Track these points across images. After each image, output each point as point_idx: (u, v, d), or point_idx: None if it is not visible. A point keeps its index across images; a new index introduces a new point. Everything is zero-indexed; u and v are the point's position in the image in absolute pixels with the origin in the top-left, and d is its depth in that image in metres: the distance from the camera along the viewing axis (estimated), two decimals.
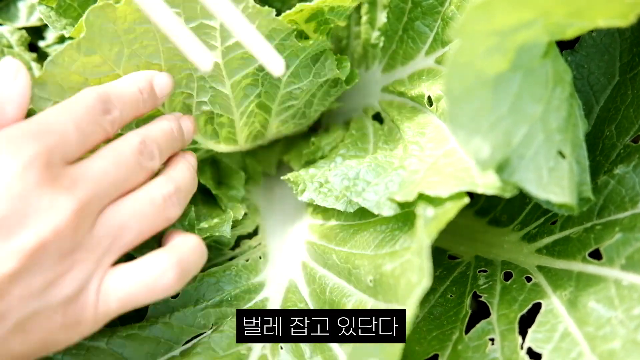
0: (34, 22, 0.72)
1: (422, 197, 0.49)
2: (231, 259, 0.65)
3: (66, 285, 0.44)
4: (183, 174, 0.54)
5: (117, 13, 0.50)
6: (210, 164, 0.72)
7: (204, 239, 0.57)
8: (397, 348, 0.44)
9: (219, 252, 0.65)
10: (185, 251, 0.49)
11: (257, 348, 0.55)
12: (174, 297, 0.60)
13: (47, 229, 0.42)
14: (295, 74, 0.61)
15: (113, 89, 0.51)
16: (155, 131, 0.53)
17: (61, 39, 0.72)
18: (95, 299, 0.46)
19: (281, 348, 0.55)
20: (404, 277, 0.47)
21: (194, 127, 0.59)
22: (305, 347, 0.54)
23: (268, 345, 0.55)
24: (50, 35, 0.72)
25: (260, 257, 0.65)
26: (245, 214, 0.67)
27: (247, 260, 0.64)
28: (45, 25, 0.71)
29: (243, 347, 0.55)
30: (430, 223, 0.45)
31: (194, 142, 0.65)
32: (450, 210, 0.45)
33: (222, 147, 0.67)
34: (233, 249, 0.67)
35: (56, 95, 0.53)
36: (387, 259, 0.51)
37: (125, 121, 0.52)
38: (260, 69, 0.58)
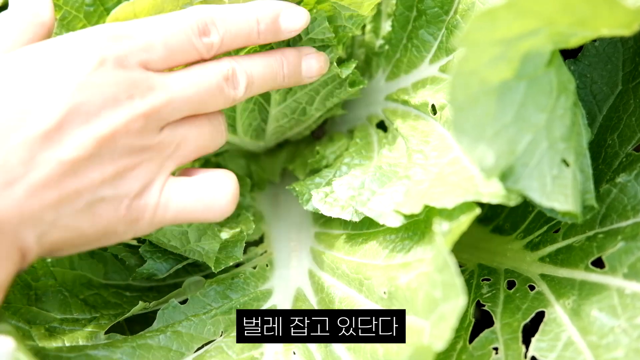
0: None
1: (429, 210, 0.49)
2: (237, 265, 0.65)
3: (133, 179, 0.47)
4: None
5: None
6: None
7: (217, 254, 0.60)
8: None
9: None
10: (235, 180, 0.52)
11: (270, 353, 0.55)
12: (182, 302, 0.60)
13: (120, 121, 0.45)
14: None
15: (222, 13, 0.50)
16: (256, 64, 0.53)
17: None
18: (157, 200, 0.49)
19: (294, 353, 0.55)
20: (422, 290, 0.47)
21: (320, 66, 0.57)
22: (316, 354, 0.54)
23: (281, 350, 0.55)
24: None
25: (267, 265, 0.65)
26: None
27: (254, 268, 0.64)
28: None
29: (256, 352, 0.55)
30: (445, 237, 0.45)
31: None
32: (464, 223, 0.46)
33: None
34: None
35: None
36: (400, 270, 0.51)
37: (228, 48, 0.51)
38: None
